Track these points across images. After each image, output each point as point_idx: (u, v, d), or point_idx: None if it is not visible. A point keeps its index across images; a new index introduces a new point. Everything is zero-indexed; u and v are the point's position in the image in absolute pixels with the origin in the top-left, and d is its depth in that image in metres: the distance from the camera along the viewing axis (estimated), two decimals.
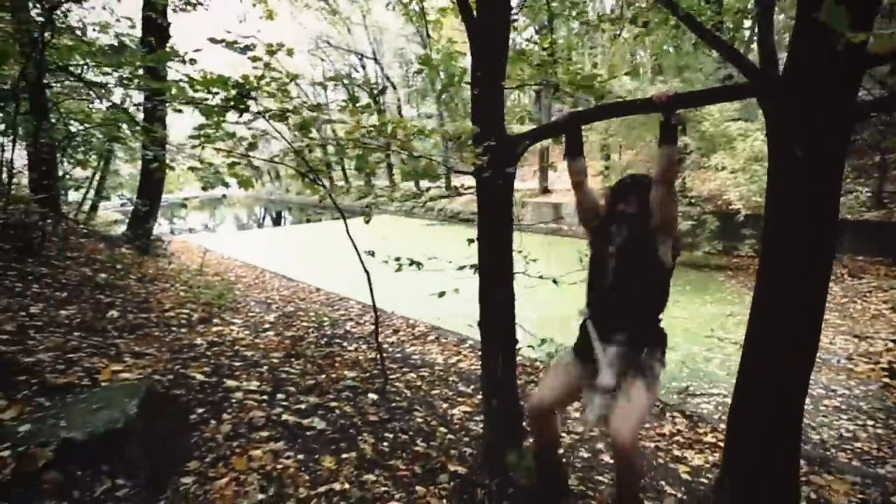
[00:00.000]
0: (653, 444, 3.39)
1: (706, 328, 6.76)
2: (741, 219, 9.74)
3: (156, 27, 7.21)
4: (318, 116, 2.68)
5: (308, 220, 25.55)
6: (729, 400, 2.27)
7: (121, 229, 9.60)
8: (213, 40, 2.33)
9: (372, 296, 2.89)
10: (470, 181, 2.32)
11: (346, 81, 23.79)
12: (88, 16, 8.43)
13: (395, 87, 25.55)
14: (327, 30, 23.50)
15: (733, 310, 7.56)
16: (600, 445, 3.25)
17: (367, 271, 2.62)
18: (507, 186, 2.16)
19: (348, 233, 2.47)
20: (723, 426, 3.15)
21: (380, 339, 3.49)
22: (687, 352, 5.93)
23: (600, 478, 2.70)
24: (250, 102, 2.42)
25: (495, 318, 2.31)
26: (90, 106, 7.45)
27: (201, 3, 7.29)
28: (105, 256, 6.03)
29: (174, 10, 7.40)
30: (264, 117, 2.60)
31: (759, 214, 8.95)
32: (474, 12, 2.16)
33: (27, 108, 5.71)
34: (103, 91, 6.62)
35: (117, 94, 7.44)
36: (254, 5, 7.58)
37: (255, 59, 2.35)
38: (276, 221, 28.83)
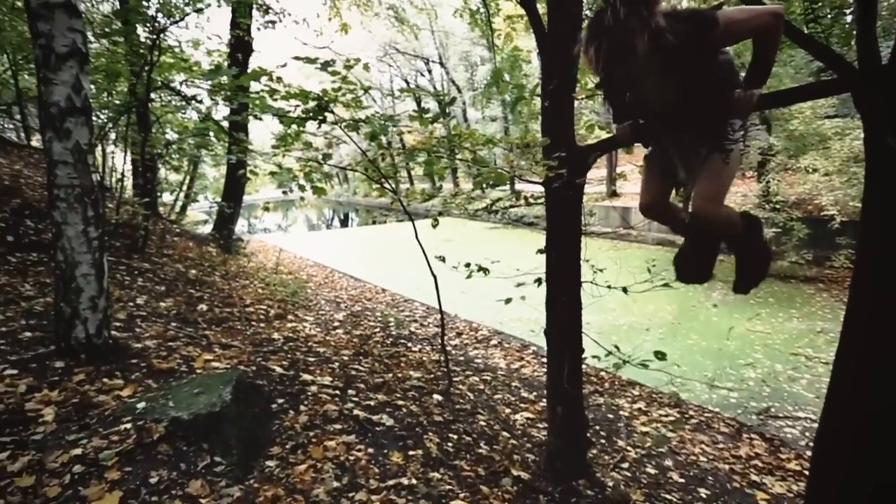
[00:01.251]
0: (727, 467, 3.20)
1: (791, 345, 6.25)
2: (836, 226, 8.88)
3: (242, 44, 7.82)
4: (389, 126, 2.81)
5: (374, 222, 26.40)
6: (816, 425, 2.11)
7: (207, 229, 10.49)
8: (297, 58, 2.52)
9: (439, 299, 2.97)
10: (537, 188, 2.34)
11: (415, 94, 24.32)
12: (183, 35, 9.30)
13: (459, 90, 25.82)
14: (395, 36, 24.24)
15: (824, 326, 6.92)
16: (669, 462, 3.12)
17: (434, 276, 2.70)
18: (576, 197, 2.15)
19: (417, 238, 2.56)
20: (809, 454, 2.92)
21: (444, 342, 3.57)
22: (769, 370, 5.51)
23: (668, 496, 2.60)
24: (327, 115, 2.59)
25: (562, 326, 2.31)
26: (184, 116, 8.22)
27: (281, 21, 7.81)
28: (195, 254, 6.62)
29: (258, 29, 7.99)
30: (340, 127, 2.77)
31: (856, 221, 8.14)
32: (545, 26, 2.17)
33: (135, 122, 6.41)
34: (196, 102, 7.29)
35: (207, 104, 8.17)
36: (329, 20, 8.00)
37: (334, 73, 2.51)
38: (344, 223, 30.05)
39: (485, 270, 2.58)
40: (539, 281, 2.32)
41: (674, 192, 2.00)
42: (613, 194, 18.06)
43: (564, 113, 2.17)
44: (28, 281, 3.47)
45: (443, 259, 2.62)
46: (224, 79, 5.88)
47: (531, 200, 2.41)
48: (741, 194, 12.80)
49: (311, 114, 2.69)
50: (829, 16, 5.63)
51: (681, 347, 6.12)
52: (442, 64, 26.03)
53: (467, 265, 2.60)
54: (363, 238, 19.77)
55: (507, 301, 2.56)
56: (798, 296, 8.67)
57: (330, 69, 2.47)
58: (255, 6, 7.35)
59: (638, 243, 13.44)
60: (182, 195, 11.06)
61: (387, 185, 2.75)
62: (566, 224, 2.20)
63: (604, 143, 2.02)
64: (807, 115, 9.68)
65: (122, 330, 3.06)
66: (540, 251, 2.29)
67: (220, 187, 10.06)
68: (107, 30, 5.27)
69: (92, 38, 6.47)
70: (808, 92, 1.64)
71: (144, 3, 5.76)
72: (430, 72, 28.03)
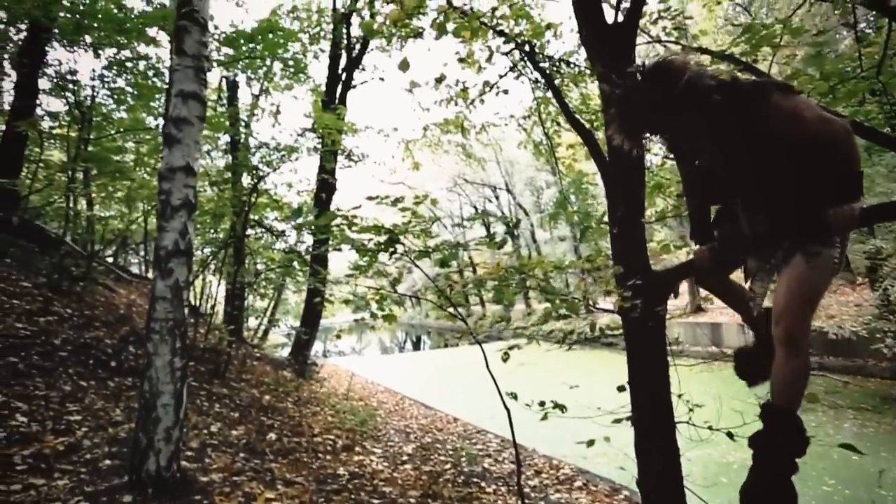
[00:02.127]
0: None
1: None
2: None
3: (326, 185, 8.84)
4: (456, 254, 2.87)
5: (446, 345, 26.22)
6: None
7: (285, 352, 10.91)
8: (370, 198, 2.73)
9: (513, 435, 2.70)
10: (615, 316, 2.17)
11: (483, 220, 25.70)
12: (280, 178, 10.73)
13: (527, 213, 26.84)
14: (463, 169, 26.46)
15: None
16: None
17: (507, 409, 2.49)
18: (657, 327, 1.95)
19: (488, 367, 2.42)
20: None
21: (521, 483, 3.16)
22: None
23: None
24: (398, 246, 2.70)
25: (656, 479, 1.94)
26: (273, 248, 9.13)
27: (362, 161, 8.84)
28: (271, 379, 6.78)
29: (341, 168, 9.07)
30: (409, 258, 2.86)
31: None
32: (605, 155, 2.21)
33: (231, 254, 7.18)
34: (283, 235, 8.12)
35: (292, 237, 9.07)
36: (402, 160, 8.94)
37: (403, 209, 2.67)
38: (416, 345, 30.12)
39: (561, 408, 2.33)
40: (626, 419, 2.02)
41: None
42: (699, 309, 16.77)
43: (635, 239, 2.08)
44: (120, 405, 3.66)
45: (514, 396, 2.41)
46: (305, 216, 6.58)
47: (607, 332, 2.23)
48: (853, 304, 11.37)
49: (382, 245, 2.82)
50: None
51: (815, 497, 4.98)
52: (508, 190, 27.59)
53: (541, 404, 2.37)
54: (435, 362, 19.50)
55: (590, 444, 2.23)
56: None
57: (400, 205, 2.63)
58: (339, 152, 8.43)
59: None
60: (266, 320, 11.81)
61: (456, 313, 2.72)
62: (649, 357, 1.97)
63: (682, 269, 1.85)
64: None
65: (192, 460, 3.04)
66: (621, 388, 2.03)
67: (301, 311, 10.65)
68: (217, 180, 6.16)
69: (207, 188, 7.66)
70: None
71: (250, 156, 6.80)
72: (497, 198, 29.70)
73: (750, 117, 1.38)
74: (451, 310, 2.87)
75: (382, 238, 2.92)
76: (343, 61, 9.47)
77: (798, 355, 1.37)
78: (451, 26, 2.70)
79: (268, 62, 8.36)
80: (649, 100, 1.40)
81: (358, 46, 9.29)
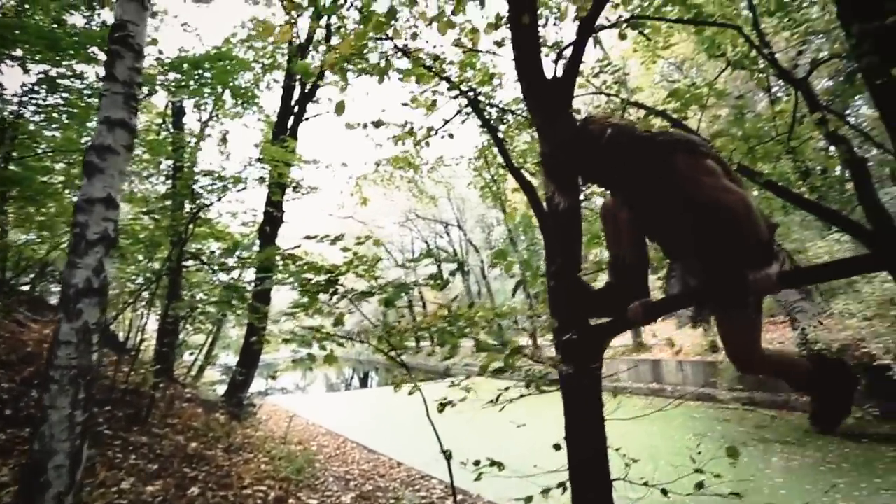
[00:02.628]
0: None
1: None
2: None
3: (272, 218, 8.58)
4: (400, 294, 2.79)
5: (393, 383, 25.51)
6: None
7: (222, 389, 10.17)
8: (308, 237, 2.63)
9: (453, 489, 2.58)
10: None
11: (436, 258, 25.78)
12: (225, 207, 10.31)
13: (477, 250, 27.17)
14: (415, 204, 26.63)
15: None
16: None
17: (448, 460, 2.38)
18: (593, 385, 1.92)
19: (429, 417, 2.32)
20: None
21: None
22: None
23: None
24: (339, 287, 2.59)
25: None
26: (213, 281, 8.64)
27: (310, 192, 8.68)
28: (200, 423, 6.26)
29: (289, 200, 8.84)
30: (349, 299, 2.76)
31: None
32: (544, 204, 2.22)
33: (166, 286, 6.71)
34: (224, 267, 7.71)
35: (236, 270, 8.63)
36: (351, 195, 8.86)
37: (345, 249, 2.58)
38: (363, 382, 29.14)
39: (499, 466, 2.25)
40: (563, 486, 1.97)
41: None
42: (640, 346, 17.34)
43: (572, 292, 2.07)
44: (9, 463, 3.21)
45: (448, 455, 2.31)
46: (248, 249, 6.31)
47: (544, 388, 2.19)
48: (777, 342, 12.12)
49: (322, 286, 2.70)
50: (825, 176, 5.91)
51: None
52: (460, 226, 27.94)
53: (476, 463, 2.28)
54: (382, 400, 18.83)
55: (528, 501, 2.13)
56: (877, 459, 7.47)
57: (340, 244, 2.55)
58: (287, 185, 8.24)
59: (673, 399, 12.40)
60: (202, 356, 11.04)
61: (396, 360, 2.61)
62: (584, 413, 1.94)
63: (615, 324, 1.80)
64: (825, 259, 9.62)
65: None
66: (556, 447, 1.99)
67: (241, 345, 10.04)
68: (153, 208, 5.82)
69: (142, 216, 7.21)
70: (833, 271, 1.50)
71: (191, 183, 6.48)
72: (448, 234, 29.99)
73: (656, 174, 1.42)
74: (392, 353, 2.77)
75: (322, 278, 2.81)
76: (296, 93, 9.40)
77: (758, 368, 1.67)
78: (399, 69, 2.72)
79: (218, 89, 8.14)
80: (576, 154, 1.43)
81: (312, 79, 9.27)
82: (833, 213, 1.79)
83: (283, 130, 9.04)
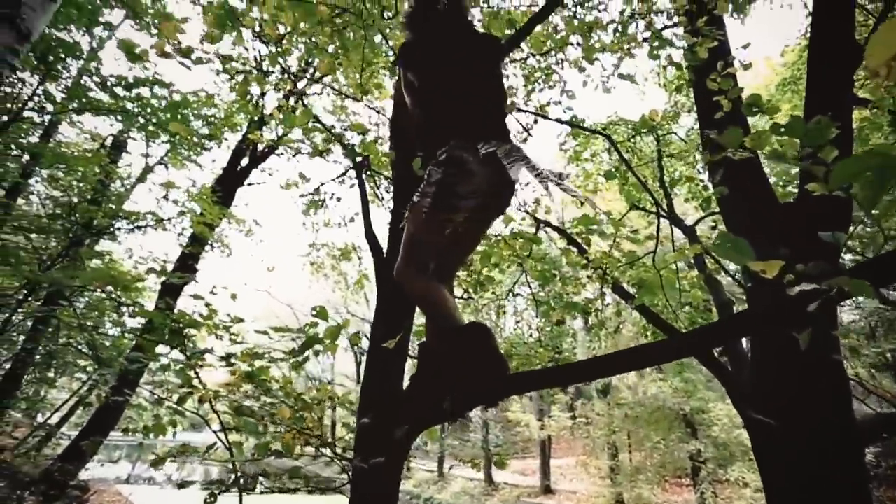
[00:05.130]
0: None
1: None
2: None
3: (187, 268, 8.02)
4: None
5: (281, 490, 22.22)
6: None
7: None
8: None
9: None
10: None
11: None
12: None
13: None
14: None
15: None
16: None
17: None
18: (390, 484, 1.58)
19: None
20: None
21: None
22: None
23: None
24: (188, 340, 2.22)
25: None
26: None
27: (226, 255, 8.31)
28: None
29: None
30: (195, 362, 2.35)
31: None
32: (384, 249, 2.09)
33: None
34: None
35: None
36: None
37: (196, 296, 2.29)
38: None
39: None
40: None
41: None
42: (548, 490, 16.42)
43: (388, 369, 1.83)
44: None
45: None
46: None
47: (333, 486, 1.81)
48: None
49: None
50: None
51: None
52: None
53: None
54: None
55: None
56: None
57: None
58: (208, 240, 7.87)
59: None
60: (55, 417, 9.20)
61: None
62: None
63: (421, 421, 1.42)
64: (724, 423, 9.90)
65: None
66: None
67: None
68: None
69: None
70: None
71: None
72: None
73: None
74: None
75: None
76: (245, 160, 9.43)
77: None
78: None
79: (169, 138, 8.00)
80: None
81: (265, 150, 9.41)
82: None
83: (225, 189, 8.86)
